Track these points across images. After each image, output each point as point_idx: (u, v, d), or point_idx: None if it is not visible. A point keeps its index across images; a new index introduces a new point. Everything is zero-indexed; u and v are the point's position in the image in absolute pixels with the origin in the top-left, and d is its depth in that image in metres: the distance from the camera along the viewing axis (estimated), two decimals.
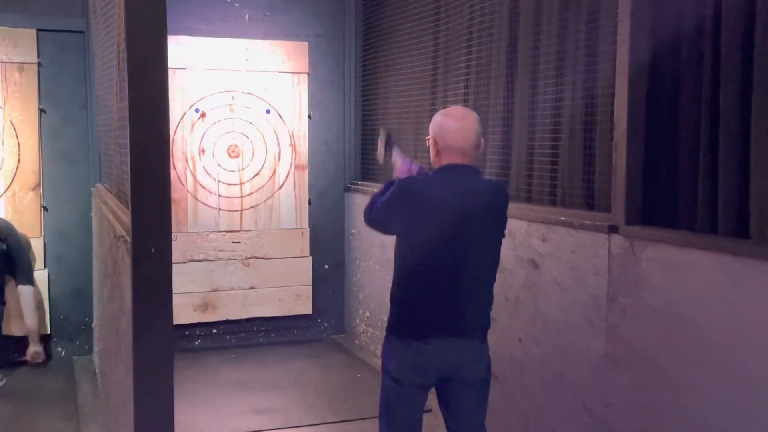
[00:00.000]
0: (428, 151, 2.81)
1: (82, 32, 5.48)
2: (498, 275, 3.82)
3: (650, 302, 2.86)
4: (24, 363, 5.30)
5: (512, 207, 3.77)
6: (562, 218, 3.37)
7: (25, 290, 5.14)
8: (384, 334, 2.84)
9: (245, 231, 5.76)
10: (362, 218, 2.92)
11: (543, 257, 3.52)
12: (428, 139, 2.78)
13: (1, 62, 5.30)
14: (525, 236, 3.63)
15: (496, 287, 3.79)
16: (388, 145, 3.17)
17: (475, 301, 2.75)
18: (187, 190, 5.58)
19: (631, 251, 2.96)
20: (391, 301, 2.78)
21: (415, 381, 2.75)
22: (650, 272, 2.86)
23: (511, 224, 3.72)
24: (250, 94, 5.70)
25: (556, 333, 3.42)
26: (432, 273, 2.68)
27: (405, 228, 2.73)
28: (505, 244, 3.73)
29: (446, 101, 4.59)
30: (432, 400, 2.95)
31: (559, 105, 3.57)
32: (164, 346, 2.29)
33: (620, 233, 3.01)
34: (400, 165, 3.04)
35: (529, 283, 3.62)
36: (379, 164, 3.20)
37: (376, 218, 2.81)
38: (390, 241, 2.80)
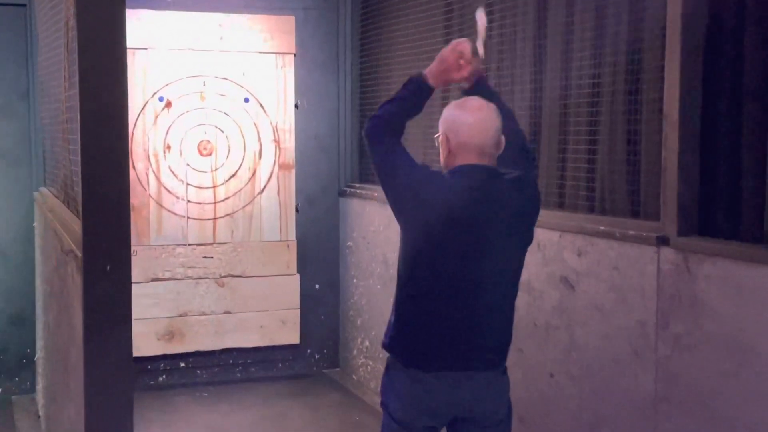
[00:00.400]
0: (438, 153, 2.81)
1: (24, 5, 5.50)
2: (525, 297, 3.84)
3: (709, 329, 2.86)
4: None
5: (541, 214, 3.78)
6: (602, 228, 3.38)
7: None
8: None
9: (219, 244, 5.76)
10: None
11: (579, 275, 3.51)
12: (438, 137, 2.77)
13: None
14: (557, 250, 3.63)
15: (522, 312, 3.77)
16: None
17: (493, 324, 2.74)
18: (150, 195, 5.59)
19: (685, 268, 2.96)
20: (393, 324, 2.78)
21: (422, 422, 2.73)
22: (709, 293, 2.85)
23: (540, 235, 3.73)
24: (224, 79, 5.71)
25: (595, 367, 3.42)
26: (441, 291, 2.67)
27: (408, 236, 2.72)
28: (534, 260, 3.74)
29: (460, 88, 4.59)
30: None
31: (597, 92, 3.57)
32: (122, 383, 2.29)
33: (672, 246, 3.01)
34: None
35: (563, 306, 3.62)
36: (478, 56, 2.90)
37: (383, 117, 2.82)
38: (395, 257, 2.79)
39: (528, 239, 2.77)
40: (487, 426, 2.76)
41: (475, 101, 2.73)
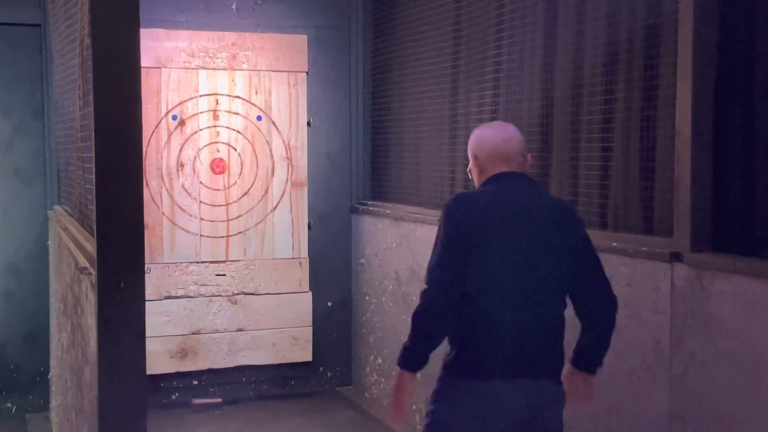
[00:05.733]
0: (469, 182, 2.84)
1: (38, 25, 5.55)
2: None
3: (724, 347, 2.84)
4: None
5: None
6: (614, 244, 3.37)
7: None
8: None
9: (232, 261, 5.77)
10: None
11: None
12: (469, 169, 2.93)
13: None
14: None
15: None
16: None
17: (544, 331, 2.75)
18: (163, 213, 5.61)
19: (698, 284, 2.94)
20: (452, 340, 2.76)
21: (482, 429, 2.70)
22: (723, 310, 2.84)
23: None
24: (237, 97, 5.74)
25: (609, 385, 3.40)
26: (491, 298, 2.69)
27: (455, 249, 2.72)
28: None
29: (471, 104, 4.61)
30: None
31: (610, 108, 3.57)
32: (136, 401, 2.29)
33: (685, 262, 3.00)
34: None
35: (576, 323, 3.61)
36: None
37: (439, 280, 2.69)
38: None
39: (580, 252, 2.79)
40: (543, 425, 2.75)
41: (497, 122, 3.00)
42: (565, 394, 2.81)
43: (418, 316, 2.71)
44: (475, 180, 2.90)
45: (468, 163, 2.97)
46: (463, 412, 2.70)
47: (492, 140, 2.85)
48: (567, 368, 2.84)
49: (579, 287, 2.79)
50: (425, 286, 2.71)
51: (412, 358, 2.72)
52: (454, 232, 2.71)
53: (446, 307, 2.68)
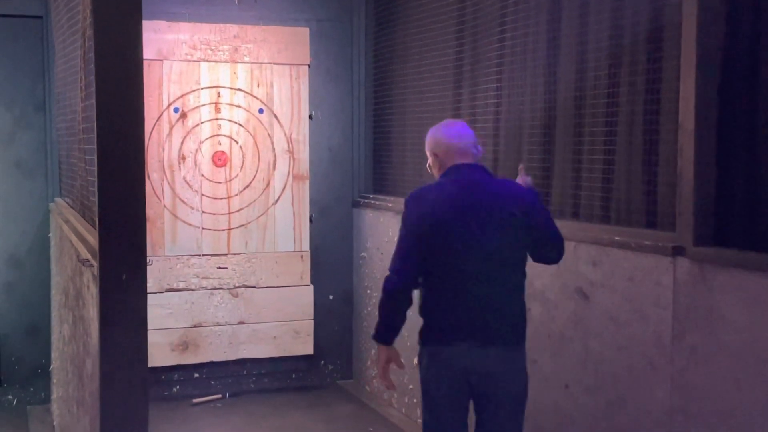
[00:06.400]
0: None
1: (40, 17, 5.55)
2: (539, 307, 3.83)
3: (726, 341, 2.84)
4: None
5: (556, 224, 3.78)
6: (617, 238, 3.37)
7: None
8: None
9: (233, 254, 5.78)
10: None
11: (594, 286, 3.51)
12: (428, 165, 3.30)
13: None
14: (572, 260, 3.62)
15: (537, 323, 3.77)
16: None
17: (499, 302, 3.10)
18: (164, 206, 5.62)
19: (701, 278, 2.94)
20: (422, 313, 3.19)
21: (443, 391, 3.13)
22: (725, 304, 2.84)
23: None
24: (239, 90, 5.74)
25: (610, 378, 3.40)
26: (453, 275, 3.08)
27: (427, 238, 3.10)
28: (548, 270, 3.73)
29: (475, 97, 4.61)
30: None
31: (613, 102, 3.57)
32: (137, 394, 2.30)
33: (687, 256, 3.00)
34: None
35: (577, 317, 3.61)
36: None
37: (398, 269, 3.12)
38: None
39: (534, 223, 3.11)
40: (505, 401, 3.11)
41: (449, 120, 3.39)
42: (525, 359, 3.17)
43: (384, 298, 3.16)
44: (436, 174, 3.25)
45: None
46: (433, 372, 3.14)
47: (447, 138, 3.22)
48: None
49: (536, 241, 3.14)
50: (388, 273, 3.14)
51: (384, 333, 3.21)
52: (412, 224, 3.13)
53: (405, 289, 3.13)
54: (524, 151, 4.17)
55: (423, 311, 3.17)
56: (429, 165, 3.30)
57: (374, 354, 3.40)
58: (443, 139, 3.23)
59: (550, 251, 3.18)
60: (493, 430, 3.14)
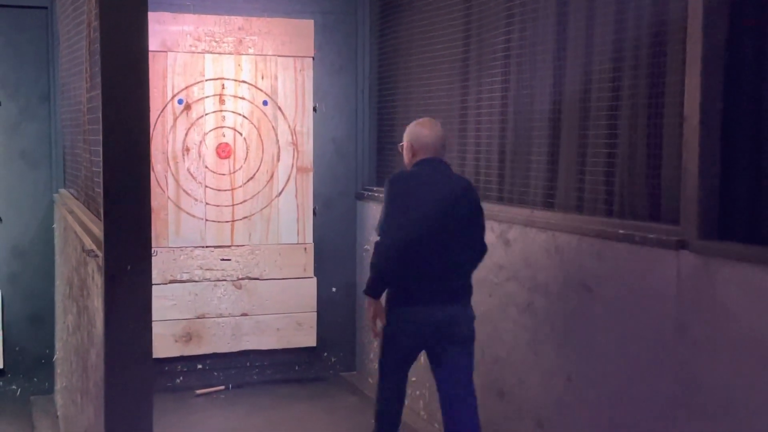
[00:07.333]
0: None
1: (45, 8, 5.55)
2: (542, 300, 3.84)
3: (729, 334, 2.84)
4: None
5: (560, 218, 3.79)
6: (621, 231, 3.37)
7: None
8: None
9: (237, 246, 5.78)
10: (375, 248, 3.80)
11: (597, 279, 3.51)
12: (401, 145, 3.99)
13: None
14: (575, 253, 3.62)
15: (540, 316, 3.78)
16: None
17: (453, 272, 3.77)
18: (168, 197, 5.62)
19: (704, 272, 2.94)
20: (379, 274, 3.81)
21: (404, 342, 3.83)
22: (729, 297, 2.84)
23: (558, 238, 3.73)
24: (243, 82, 5.74)
25: (614, 371, 3.41)
26: (423, 248, 3.70)
27: (398, 211, 3.75)
28: (551, 263, 3.74)
29: (480, 90, 4.60)
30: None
31: (617, 95, 3.56)
32: (142, 385, 2.30)
33: (691, 249, 3.00)
34: None
35: (581, 310, 3.61)
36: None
37: (390, 242, 3.73)
38: None
39: (478, 219, 3.82)
40: (457, 342, 3.78)
41: (427, 120, 4.01)
42: (471, 313, 3.83)
43: (376, 259, 3.78)
44: (406, 159, 3.94)
45: (401, 143, 3.98)
46: (400, 328, 3.81)
47: (425, 135, 3.88)
48: None
49: (468, 240, 3.80)
50: (378, 239, 3.77)
51: (375, 289, 3.84)
52: (396, 198, 3.77)
53: (394, 250, 3.72)
54: (530, 144, 4.17)
55: (395, 278, 3.78)
56: (401, 147, 3.98)
57: (365, 307, 4.07)
58: (422, 137, 3.89)
59: (473, 252, 3.85)
60: (452, 362, 3.79)
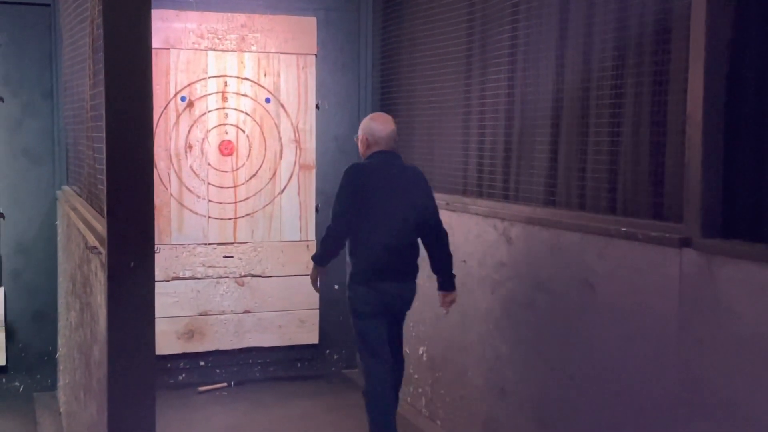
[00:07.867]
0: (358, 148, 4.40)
1: (48, 5, 5.55)
2: (545, 297, 3.84)
3: (732, 332, 2.84)
4: None
5: (561, 216, 3.79)
6: (623, 229, 3.36)
7: None
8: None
9: (239, 243, 5.79)
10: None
11: (599, 277, 3.50)
12: (356, 137, 4.41)
13: None
14: (577, 251, 3.62)
15: (542, 313, 3.78)
16: None
17: (404, 252, 4.25)
18: (171, 194, 5.62)
19: (707, 270, 2.94)
20: (352, 257, 4.27)
21: (377, 311, 4.25)
22: (732, 296, 2.84)
23: (561, 236, 3.72)
24: (246, 79, 5.74)
25: (616, 369, 3.40)
26: (377, 231, 4.15)
27: (359, 200, 4.16)
28: (554, 261, 3.74)
29: (484, 87, 4.60)
30: None
31: (620, 92, 3.56)
32: (144, 380, 2.31)
33: (694, 248, 2.99)
34: None
35: (583, 308, 3.61)
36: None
37: (340, 218, 4.19)
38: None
39: (429, 202, 4.30)
40: (403, 312, 4.41)
41: (382, 115, 4.46)
42: (416, 288, 4.37)
43: (326, 240, 4.28)
44: (361, 150, 4.35)
45: (357, 135, 4.39)
46: (362, 301, 4.25)
47: (379, 129, 4.28)
48: (440, 295, 4.36)
49: (423, 228, 4.28)
50: (330, 223, 4.24)
51: (322, 260, 4.38)
52: (350, 188, 4.19)
53: (343, 234, 4.22)
54: (533, 141, 4.17)
55: (354, 258, 4.25)
56: (357, 140, 4.40)
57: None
58: (376, 131, 4.29)
59: (431, 238, 4.30)
60: (396, 332, 4.41)
